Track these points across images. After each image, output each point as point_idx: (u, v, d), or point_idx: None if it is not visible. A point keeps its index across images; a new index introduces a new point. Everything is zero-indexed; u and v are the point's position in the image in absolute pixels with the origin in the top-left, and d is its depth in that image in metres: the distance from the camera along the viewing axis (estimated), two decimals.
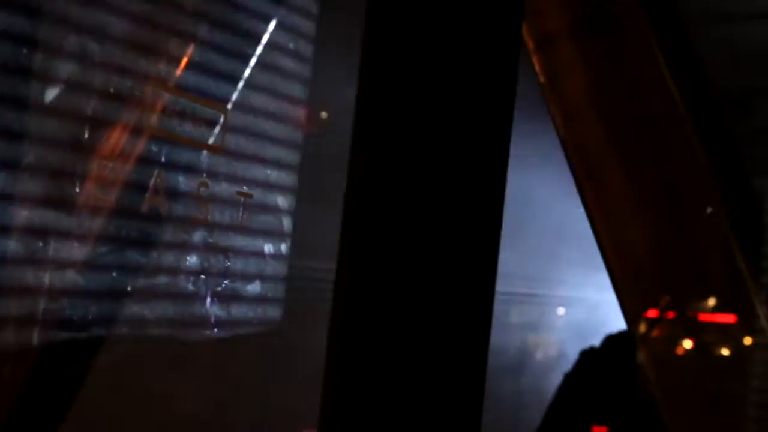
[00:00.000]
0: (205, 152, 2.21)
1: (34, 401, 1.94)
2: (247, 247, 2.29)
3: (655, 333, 2.59)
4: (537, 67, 2.80)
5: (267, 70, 2.42)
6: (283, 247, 2.36)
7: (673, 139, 2.58)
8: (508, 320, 4.17)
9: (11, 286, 1.86)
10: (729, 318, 2.52)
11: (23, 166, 1.91)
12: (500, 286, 1.66)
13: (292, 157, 2.39)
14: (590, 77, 2.73)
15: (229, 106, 2.27)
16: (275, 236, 2.34)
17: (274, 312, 2.40)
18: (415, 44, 1.64)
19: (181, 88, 2.16)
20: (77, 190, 2.00)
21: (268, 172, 2.30)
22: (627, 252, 2.63)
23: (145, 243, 2.11)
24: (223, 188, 2.20)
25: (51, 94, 2.01)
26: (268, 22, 2.45)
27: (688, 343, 2.58)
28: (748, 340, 2.50)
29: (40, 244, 1.91)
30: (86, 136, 2.03)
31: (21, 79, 1.96)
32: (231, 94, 2.30)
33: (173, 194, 2.13)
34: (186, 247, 2.14)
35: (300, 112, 2.51)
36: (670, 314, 2.57)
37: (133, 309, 2.06)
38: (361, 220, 1.69)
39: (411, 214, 1.64)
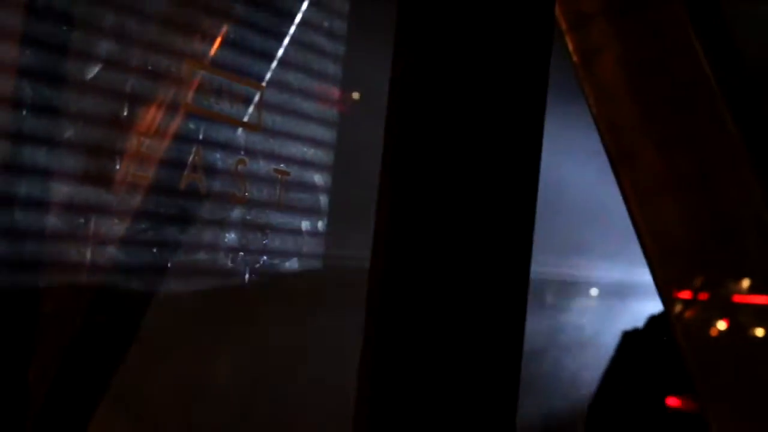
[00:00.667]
0: (241, 130, 2.22)
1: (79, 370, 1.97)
2: (285, 224, 2.29)
3: (689, 313, 2.58)
4: (570, 47, 2.80)
5: (302, 48, 2.43)
6: (320, 225, 2.37)
7: (707, 117, 2.57)
8: (540, 302, 4.18)
9: (53, 261, 1.87)
10: (764, 299, 2.51)
11: (63, 143, 1.93)
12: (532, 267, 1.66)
13: (328, 135, 2.39)
14: (623, 56, 2.72)
15: (265, 84, 2.28)
16: (312, 214, 2.34)
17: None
18: (450, 25, 1.64)
19: (217, 66, 2.17)
20: (116, 166, 2.02)
21: (305, 150, 2.31)
22: (661, 232, 2.62)
23: (184, 219, 2.13)
24: (261, 166, 2.21)
25: (90, 71, 2.03)
26: (302, 1, 2.46)
27: (722, 324, 2.58)
28: None
29: (81, 220, 1.92)
30: (125, 113, 2.05)
31: (60, 57, 1.98)
32: (266, 72, 2.31)
33: (211, 171, 2.14)
34: (224, 224, 2.16)
35: (334, 91, 2.51)
36: (705, 295, 2.57)
37: (172, 284, 2.08)
38: (396, 200, 1.69)
39: (445, 196, 1.64)
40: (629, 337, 2.93)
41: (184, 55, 2.13)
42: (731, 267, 2.55)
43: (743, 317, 2.54)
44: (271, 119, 2.27)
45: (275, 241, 2.29)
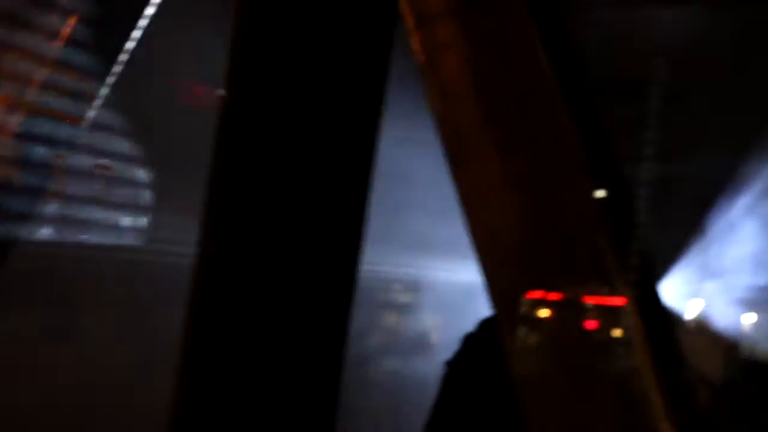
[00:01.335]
0: (64, 123, 2.12)
1: None
2: (104, 220, 2.21)
3: (518, 313, 2.58)
4: (416, 46, 2.77)
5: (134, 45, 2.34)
6: (140, 220, 2.29)
7: (544, 119, 2.58)
8: (382, 301, 4.16)
9: None
10: (592, 299, 2.53)
11: None
12: (372, 267, 1.63)
13: (151, 130, 2.31)
14: (468, 57, 2.71)
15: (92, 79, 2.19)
16: (133, 209, 2.26)
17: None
18: (290, 21, 1.59)
19: (41, 58, 2.07)
20: None
21: (128, 145, 2.22)
22: (494, 233, 2.62)
23: None
24: (81, 160, 2.12)
25: None
26: None
27: (551, 324, 2.58)
28: (609, 321, 2.52)
29: None
30: None
31: None
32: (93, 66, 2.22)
33: (28, 165, 2.04)
34: (39, 219, 2.06)
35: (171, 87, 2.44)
36: (534, 294, 2.57)
37: None
38: (224, 196, 1.63)
39: (274, 192, 1.59)
40: (467, 341, 2.92)
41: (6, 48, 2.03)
42: (562, 268, 2.56)
43: (571, 316, 2.56)
44: (95, 114, 2.18)
45: (93, 236, 2.20)
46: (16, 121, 2.02)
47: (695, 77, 3.91)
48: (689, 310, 3.92)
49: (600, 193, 2.57)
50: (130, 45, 2.29)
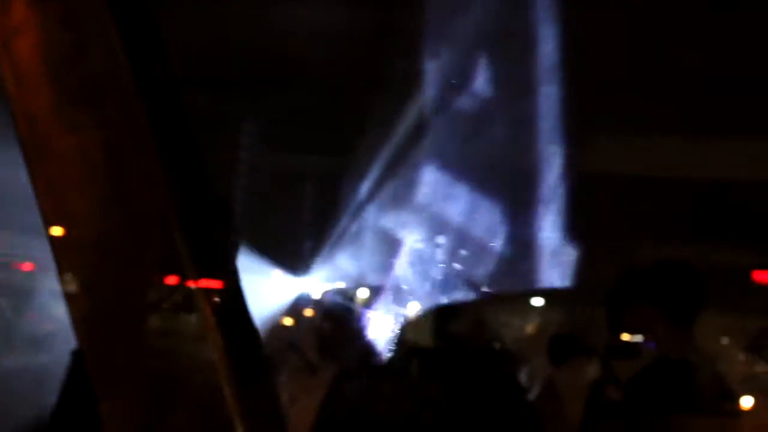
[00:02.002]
0: None
1: None
2: None
3: (93, 303, 2.56)
4: None
5: None
6: None
7: (119, 109, 2.57)
8: None
9: None
10: (164, 289, 2.55)
11: None
12: None
13: None
14: (41, 42, 2.65)
15: None
16: None
17: None
18: None
19: None
20: None
21: None
22: (69, 222, 2.58)
23: None
24: None
25: None
26: None
27: (124, 314, 2.57)
28: (183, 312, 2.54)
29: None
30: None
31: None
32: None
33: None
34: None
35: None
36: (107, 286, 2.56)
37: None
38: None
39: None
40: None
41: None
42: (134, 256, 2.56)
43: (142, 306, 2.56)
44: None
45: None
46: None
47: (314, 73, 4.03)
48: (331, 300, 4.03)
49: (176, 180, 2.59)
50: None
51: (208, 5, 3.57)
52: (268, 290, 3.80)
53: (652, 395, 3.32)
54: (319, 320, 3.86)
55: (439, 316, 3.86)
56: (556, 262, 4.06)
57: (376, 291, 3.95)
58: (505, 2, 4.05)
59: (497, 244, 4.09)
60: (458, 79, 4.18)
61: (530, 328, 4.29)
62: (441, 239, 4.04)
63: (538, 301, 4.20)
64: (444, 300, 3.93)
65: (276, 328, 3.81)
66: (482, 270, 3.99)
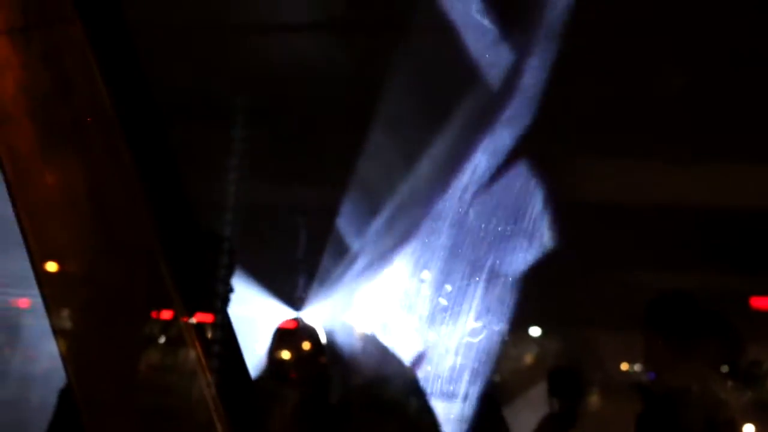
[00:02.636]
0: None
1: None
2: None
3: (80, 339, 2.55)
4: None
5: None
6: None
7: (102, 146, 2.57)
8: None
9: None
10: (154, 325, 2.53)
11: None
12: None
13: None
14: (24, 78, 2.65)
15: None
16: None
17: None
18: None
19: None
20: None
21: None
22: (55, 258, 2.57)
23: None
24: None
25: None
26: None
27: (113, 351, 2.56)
28: (171, 348, 2.53)
29: None
30: None
31: None
32: None
33: None
34: None
35: None
36: (97, 319, 2.54)
37: None
38: None
39: None
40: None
41: None
42: (123, 292, 2.55)
43: (130, 342, 2.54)
44: None
45: None
46: None
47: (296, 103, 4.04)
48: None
49: (161, 217, 2.58)
50: None
51: (191, 38, 3.58)
52: (258, 324, 3.79)
53: (655, 425, 3.31)
54: (312, 353, 3.85)
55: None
56: (549, 292, 4.05)
57: (369, 324, 3.94)
58: (488, 33, 4.07)
59: (489, 275, 4.08)
60: (444, 108, 4.19)
61: (528, 360, 4.27)
62: (429, 273, 4.03)
63: (535, 332, 4.18)
64: (434, 331, 3.91)
65: (268, 361, 3.79)
66: (474, 300, 3.97)
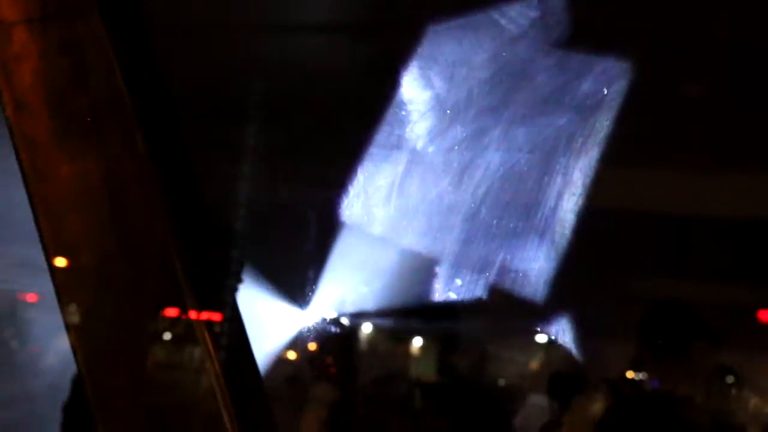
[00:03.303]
0: None
1: None
2: None
3: (93, 332, 2.54)
4: None
5: None
6: None
7: (118, 138, 2.56)
8: None
9: None
10: (165, 319, 2.52)
11: None
12: None
13: None
14: (42, 68, 2.64)
15: None
16: None
17: None
18: None
19: None
20: None
21: None
22: (69, 249, 2.56)
23: None
24: None
25: None
26: None
27: (126, 343, 2.55)
28: (182, 342, 2.52)
29: None
30: None
31: None
32: None
33: None
34: None
35: None
36: (109, 312, 2.53)
37: None
38: None
39: None
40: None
41: None
42: (134, 285, 2.54)
43: (143, 335, 2.53)
44: None
45: None
46: None
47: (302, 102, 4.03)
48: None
49: (175, 211, 2.57)
50: None
51: (209, 34, 3.57)
52: (269, 321, 3.79)
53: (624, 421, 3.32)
54: (323, 351, 3.85)
55: (443, 349, 3.85)
56: (552, 297, 4.05)
57: (378, 321, 3.94)
58: (501, 31, 4.07)
59: (495, 274, 4.08)
60: (454, 108, 4.19)
61: (532, 363, 4.27)
62: (440, 268, 4.03)
63: (538, 336, 4.18)
64: (445, 329, 3.91)
65: (279, 359, 3.79)
66: (481, 300, 3.98)
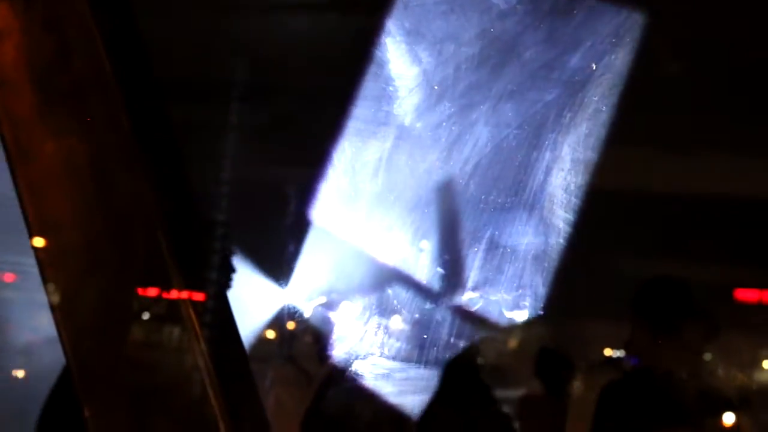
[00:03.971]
0: None
1: None
2: None
3: (78, 312, 2.52)
4: None
5: None
6: None
7: (102, 115, 2.54)
8: None
9: None
10: (150, 297, 2.51)
11: None
12: None
13: None
14: (24, 45, 2.61)
15: None
16: None
17: None
18: None
19: None
20: None
21: None
22: (53, 228, 2.54)
23: None
24: None
25: None
26: None
27: (112, 322, 2.53)
28: (168, 320, 2.50)
29: None
30: None
31: None
32: None
33: None
34: None
35: None
36: (96, 292, 2.51)
37: None
38: None
39: None
40: None
41: None
42: (119, 264, 2.52)
43: (128, 313, 2.52)
44: None
45: None
46: None
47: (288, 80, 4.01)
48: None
49: (160, 188, 2.55)
50: None
51: (194, 12, 3.54)
52: (256, 301, 3.78)
53: (636, 409, 3.32)
54: (309, 331, 3.85)
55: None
56: (541, 274, 4.05)
57: (364, 301, 3.93)
58: (489, 7, 4.04)
59: (483, 252, 4.07)
60: (442, 84, 4.16)
61: (516, 341, 4.28)
62: (426, 245, 4.02)
63: (522, 315, 4.18)
64: (430, 309, 3.91)
65: (265, 339, 3.79)
66: (468, 279, 3.97)
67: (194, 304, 2.53)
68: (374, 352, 3.92)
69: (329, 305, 3.98)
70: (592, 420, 3.46)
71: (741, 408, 3.53)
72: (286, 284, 3.98)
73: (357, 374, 3.83)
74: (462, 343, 3.97)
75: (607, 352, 4.03)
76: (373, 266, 4.01)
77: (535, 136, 4.08)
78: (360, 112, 4.07)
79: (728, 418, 3.44)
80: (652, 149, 3.93)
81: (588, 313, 4.02)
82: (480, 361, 4.02)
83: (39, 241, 2.58)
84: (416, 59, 4.18)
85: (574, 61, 4.06)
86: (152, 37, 2.73)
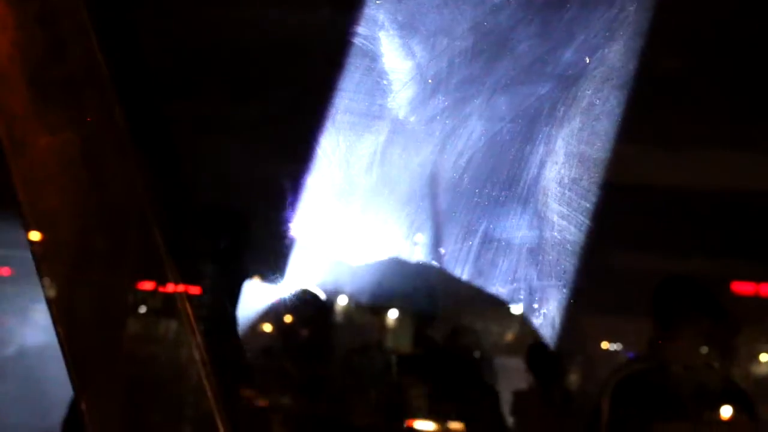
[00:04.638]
0: None
1: None
2: None
3: (73, 302, 2.53)
4: None
5: None
6: None
7: (96, 110, 2.56)
8: None
9: None
10: (145, 289, 2.52)
11: None
12: None
13: None
14: (19, 39, 2.63)
15: None
16: None
17: None
18: None
19: None
20: None
21: None
22: (47, 222, 2.56)
23: None
24: None
25: None
26: None
27: (106, 313, 2.55)
28: (163, 312, 2.52)
29: None
30: None
31: None
32: None
33: None
34: None
35: None
36: (90, 283, 2.53)
37: None
38: None
39: None
40: None
41: None
42: (115, 259, 2.54)
43: (123, 306, 2.54)
44: None
45: None
46: None
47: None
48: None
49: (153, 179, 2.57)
50: None
51: (188, 5, 3.55)
52: (247, 294, 3.79)
53: (634, 404, 3.34)
54: (298, 325, 3.86)
55: (418, 321, 3.86)
56: (535, 268, 4.06)
57: (355, 294, 3.95)
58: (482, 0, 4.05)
59: (478, 244, 4.09)
60: (436, 79, 4.18)
61: (509, 335, 4.29)
62: (420, 238, 4.03)
63: (517, 308, 4.19)
64: (424, 302, 3.92)
65: (257, 333, 3.79)
66: (462, 270, 3.98)
67: (190, 297, 2.55)
68: (370, 345, 3.94)
69: (323, 295, 4.00)
70: (606, 415, 3.48)
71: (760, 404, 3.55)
72: (280, 278, 4.00)
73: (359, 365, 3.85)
74: (456, 336, 3.99)
75: (604, 345, 4.05)
76: (367, 261, 4.03)
77: (528, 129, 4.09)
78: (354, 105, 4.08)
79: (748, 415, 3.46)
80: (646, 144, 3.95)
81: (581, 306, 4.03)
82: (475, 354, 4.04)
83: (34, 235, 2.59)
84: (410, 53, 4.20)
85: (568, 54, 4.08)
86: (145, 31, 2.74)
